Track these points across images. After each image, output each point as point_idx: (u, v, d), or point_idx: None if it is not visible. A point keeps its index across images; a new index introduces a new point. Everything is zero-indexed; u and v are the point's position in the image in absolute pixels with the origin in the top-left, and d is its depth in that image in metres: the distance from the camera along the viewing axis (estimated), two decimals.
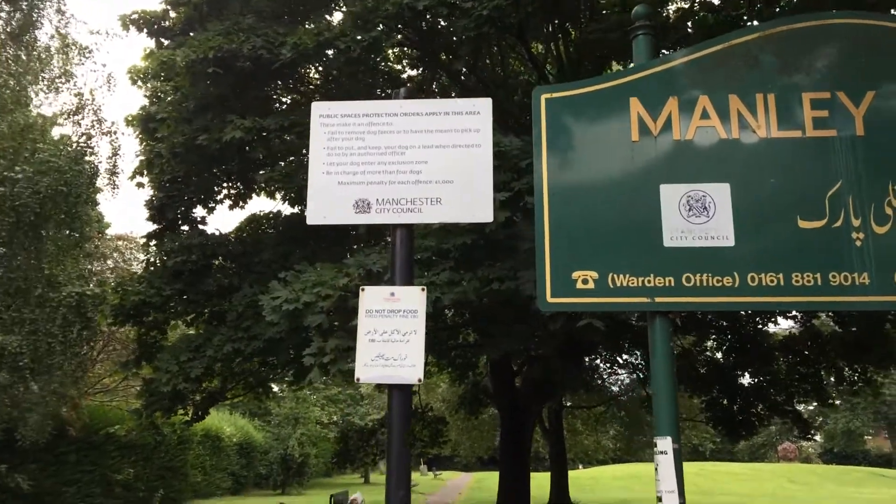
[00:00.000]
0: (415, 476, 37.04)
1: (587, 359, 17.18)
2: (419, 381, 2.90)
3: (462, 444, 33.38)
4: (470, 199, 3.23)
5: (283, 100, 14.01)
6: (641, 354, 17.05)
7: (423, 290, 2.99)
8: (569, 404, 25.48)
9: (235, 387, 15.60)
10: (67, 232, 10.24)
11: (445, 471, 47.11)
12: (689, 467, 29.92)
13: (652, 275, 3.09)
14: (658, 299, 3.07)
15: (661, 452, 2.90)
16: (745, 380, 15.90)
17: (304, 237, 12.23)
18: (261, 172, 12.50)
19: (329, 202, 3.11)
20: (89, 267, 12.39)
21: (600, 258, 3.13)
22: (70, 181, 9.98)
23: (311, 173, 3.17)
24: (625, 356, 19.33)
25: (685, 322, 12.82)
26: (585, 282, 3.09)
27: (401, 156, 3.20)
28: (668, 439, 2.89)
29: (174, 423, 18.16)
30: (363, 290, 3.04)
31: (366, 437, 17.51)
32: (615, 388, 24.63)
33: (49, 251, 9.99)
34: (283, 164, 12.39)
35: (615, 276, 3.10)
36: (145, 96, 12.82)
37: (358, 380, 2.91)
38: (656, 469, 2.88)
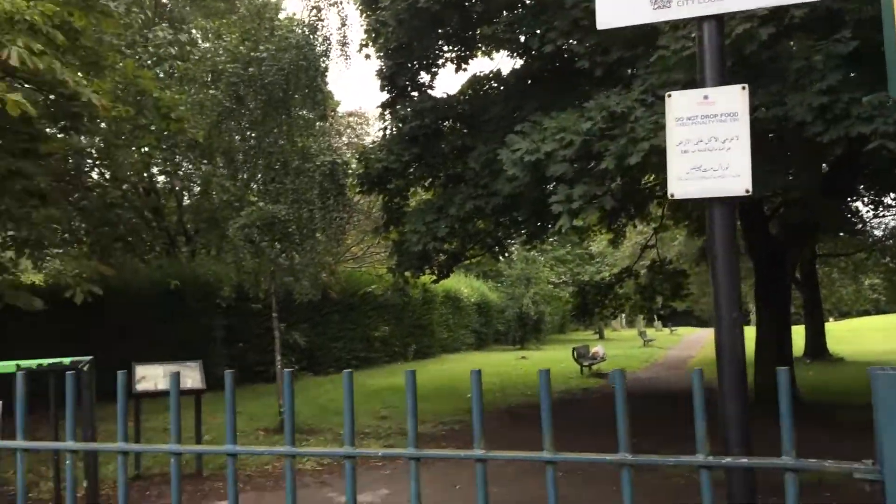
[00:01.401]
0: (650, 332, 36.84)
1: (848, 200, 15.36)
2: (747, 192, 2.48)
3: (701, 300, 32.43)
4: None
5: None
6: None
7: (743, 88, 2.52)
8: (822, 253, 23.44)
9: (473, 248, 16.14)
10: (310, 105, 10.70)
11: (680, 327, 46.44)
12: None
13: None
14: None
15: None
16: None
17: (531, 90, 11.85)
18: (480, 30, 12.19)
19: (621, 0, 2.71)
20: (331, 141, 13.05)
21: None
22: (308, 55, 10.32)
23: None
24: (893, 195, 17.12)
25: None
26: None
27: None
28: None
29: (420, 285, 19.32)
30: (670, 95, 2.63)
31: (603, 292, 17.40)
32: (878, 233, 22.10)
33: (298, 125, 10.55)
34: (504, 13, 11.87)
35: None
36: None
37: (672, 196, 2.57)
38: None
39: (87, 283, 9.74)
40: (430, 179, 13.24)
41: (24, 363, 2.11)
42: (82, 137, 13.22)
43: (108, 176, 16.73)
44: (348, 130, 23.34)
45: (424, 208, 11.85)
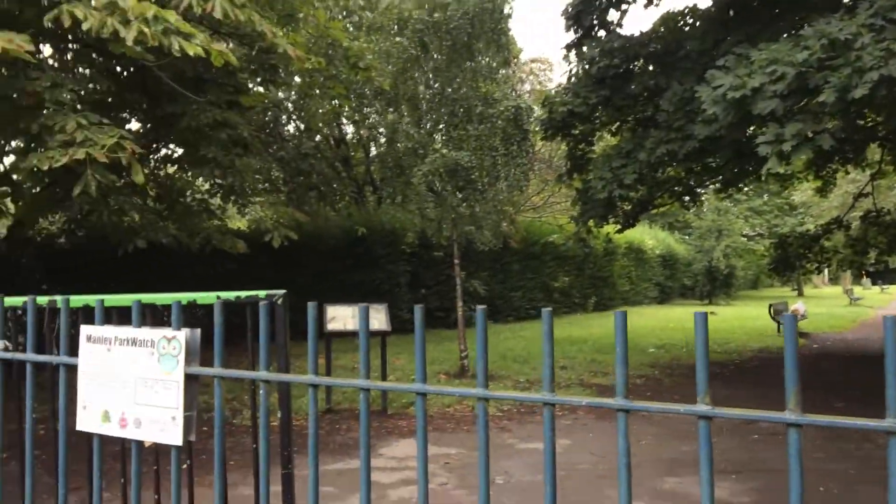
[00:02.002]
0: (857, 290, 33.58)
1: None
2: None
3: None
4: None
5: None
6: None
7: None
8: None
9: (662, 196, 15.30)
10: (494, 49, 10.46)
11: (892, 285, 41.87)
12: None
13: None
14: None
15: None
16: None
17: (735, 21, 10.79)
18: None
19: None
20: (515, 86, 12.76)
21: None
22: None
23: None
24: None
25: None
26: None
27: None
28: None
29: (603, 235, 18.73)
30: None
31: (807, 245, 15.88)
32: None
33: (482, 70, 10.37)
34: None
35: None
36: None
37: None
38: None
39: (284, 229, 10.30)
40: (618, 124, 12.60)
41: (224, 294, 2.07)
42: (279, 92, 13.97)
43: (302, 128, 17.64)
44: (531, 77, 22.89)
45: (611, 154, 11.29)
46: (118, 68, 9.33)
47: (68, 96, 6.65)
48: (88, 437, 2.23)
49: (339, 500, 5.19)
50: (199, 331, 2.05)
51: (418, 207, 11.17)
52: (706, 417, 1.52)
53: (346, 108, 16.33)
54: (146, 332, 2.03)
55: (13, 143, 10.44)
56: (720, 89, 7.81)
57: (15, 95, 6.73)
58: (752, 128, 9.36)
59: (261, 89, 11.88)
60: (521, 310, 20.27)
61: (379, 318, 8.57)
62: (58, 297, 2.31)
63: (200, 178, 12.15)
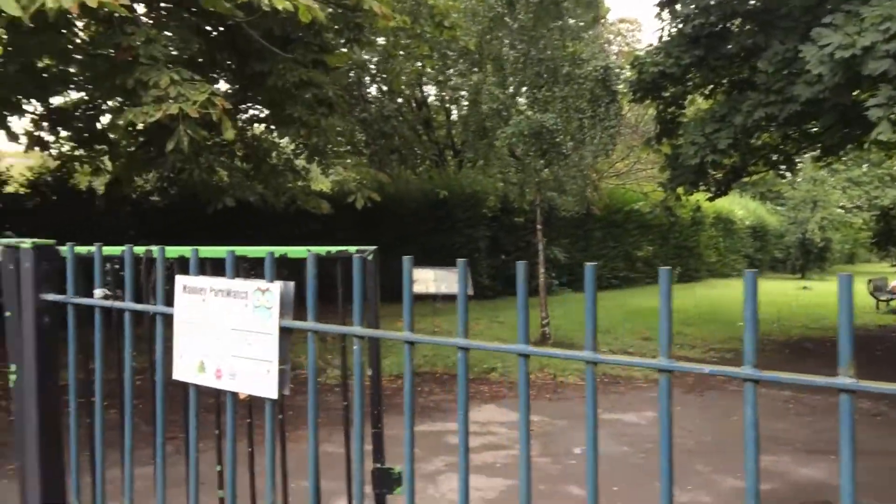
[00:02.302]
0: None
1: None
2: None
3: None
4: None
5: None
6: None
7: None
8: None
9: (756, 163, 14.59)
10: (583, 7, 10.10)
11: None
12: None
13: None
14: None
15: None
16: None
17: None
18: None
19: None
20: (604, 47, 12.31)
21: None
22: None
23: None
24: None
25: None
26: None
27: None
28: None
29: (692, 203, 18.13)
30: None
31: None
32: None
33: (570, 29, 10.03)
34: None
35: None
36: None
37: None
38: None
39: (367, 190, 10.33)
40: (711, 86, 12.03)
41: (315, 249, 2.01)
42: (363, 53, 13.92)
43: (384, 90, 17.62)
44: (618, 38, 22.13)
45: (704, 117, 10.80)
46: (207, 27, 9.46)
47: (161, 52, 6.78)
48: (184, 387, 2.24)
49: (423, 461, 5.20)
50: (293, 284, 2.00)
51: (500, 171, 11.00)
52: (849, 391, 1.35)
53: (430, 69, 16.18)
54: (240, 284, 2.00)
55: (109, 104, 10.79)
56: (827, 48, 7.31)
57: (111, 51, 6.89)
58: (858, 91, 8.77)
59: (345, 50, 11.87)
60: (602, 279, 19.91)
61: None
62: (153, 248, 2.31)
63: (285, 139, 12.31)
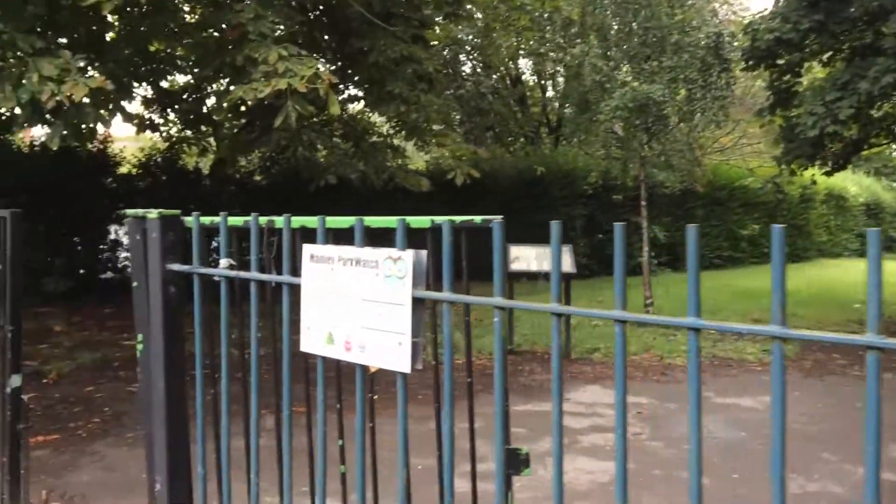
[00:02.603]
0: None
1: None
2: None
3: None
4: None
5: None
6: None
7: None
8: None
9: (877, 135, 13.61)
10: None
11: None
12: None
13: None
14: None
15: None
16: None
17: None
18: None
19: None
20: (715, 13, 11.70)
21: None
22: None
23: None
24: None
25: None
26: None
27: None
28: None
29: (802, 180, 17.15)
30: None
31: None
32: None
33: None
34: None
35: None
36: None
37: None
38: None
39: (466, 166, 10.21)
40: (831, 53, 11.25)
41: (438, 219, 1.90)
42: (460, 30, 13.75)
43: (479, 68, 17.41)
44: (724, 6, 21.04)
45: (824, 86, 10.11)
46: (308, 5, 9.52)
47: (269, 29, 6.85)
48: (306, 359, 2.19)
49: (532, 441, 5.07)
50: (425, 252, 1.89)
51: (603, 146, 10.66)
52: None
53: (530, 42, 15.82)
54: (370, 252, 1.91)
55: (213, 86, 11.08)
56: None
57: (222, 28, 7.01)
58: None
59: (445, 23, 11.75)
60: (704, 258, 19.11)
61: (564, 260, 8.30)
62: (277, 218, 2.26)
63: (381, 119, 12.33)
